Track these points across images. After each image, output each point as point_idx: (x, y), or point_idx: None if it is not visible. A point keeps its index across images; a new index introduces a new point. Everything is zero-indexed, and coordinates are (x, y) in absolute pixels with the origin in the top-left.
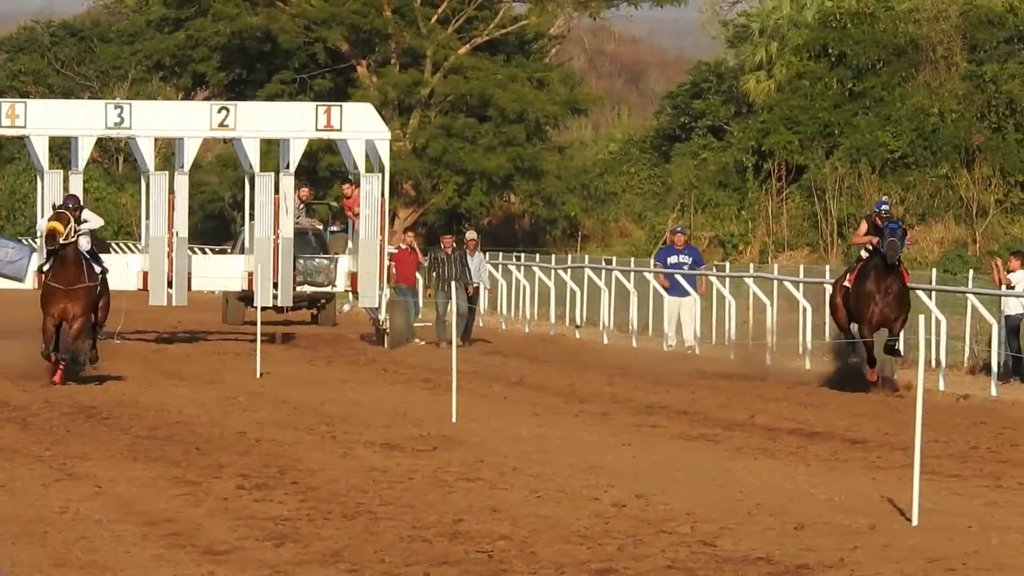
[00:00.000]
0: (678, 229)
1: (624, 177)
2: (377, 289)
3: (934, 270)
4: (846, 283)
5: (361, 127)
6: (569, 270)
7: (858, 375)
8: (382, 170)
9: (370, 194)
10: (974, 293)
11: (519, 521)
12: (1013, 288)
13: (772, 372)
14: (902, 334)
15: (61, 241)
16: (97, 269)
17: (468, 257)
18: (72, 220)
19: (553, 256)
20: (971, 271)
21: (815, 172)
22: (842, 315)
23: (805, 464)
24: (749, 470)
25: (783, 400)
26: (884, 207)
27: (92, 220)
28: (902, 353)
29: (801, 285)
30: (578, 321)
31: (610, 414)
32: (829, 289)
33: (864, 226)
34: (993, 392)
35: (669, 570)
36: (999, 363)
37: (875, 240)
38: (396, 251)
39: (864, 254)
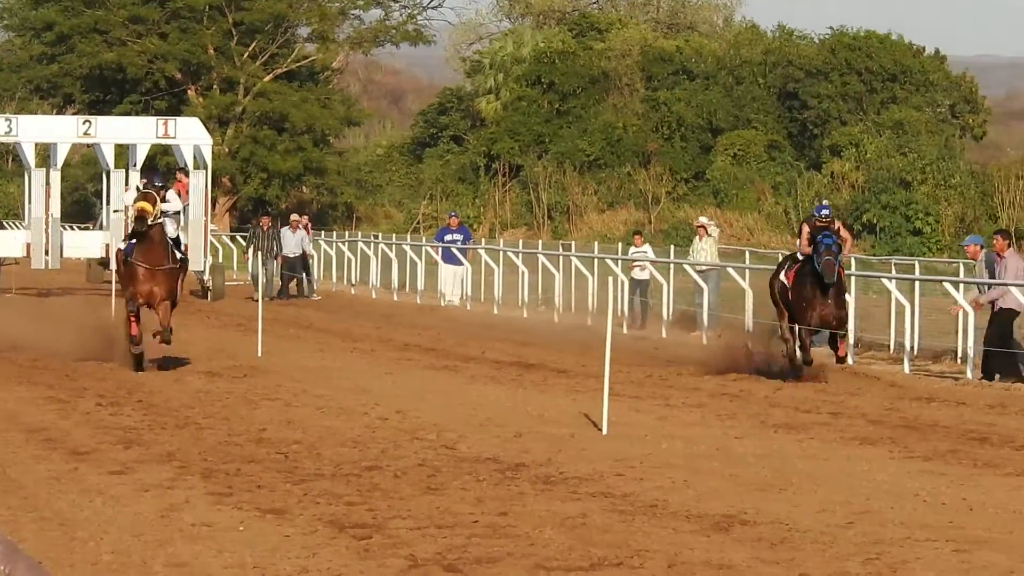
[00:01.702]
0: (452, 214)
1: (388, 173)
2: (203, 256)
3: (620, 243)
4: (783, 279)
5: (191, 136)
6: (346, 243)
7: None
8: (206, 168)
9: (196, 186)
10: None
11: (308, 430)
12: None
13: (499, 320)
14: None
15: (149, 222)
16: (178, 254)
17: (290, 232)
18: (159, 200)
19: (335, 233)
20: (647, 245)
21: (530, 171)
22: (782, 309)
23: (523, 388)
24: (480, 393)
25: (506, 340)
26: (824, 211)
27: (173, 202)
28: (849, 340)
29: (520, 255)
30: (353, 280)
31: (376, 351)
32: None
33: (806, 231)
34: (663, 334)
35: (420, 467)
36: (670, 313)
37: (809, 249)
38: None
39: (800, 255)
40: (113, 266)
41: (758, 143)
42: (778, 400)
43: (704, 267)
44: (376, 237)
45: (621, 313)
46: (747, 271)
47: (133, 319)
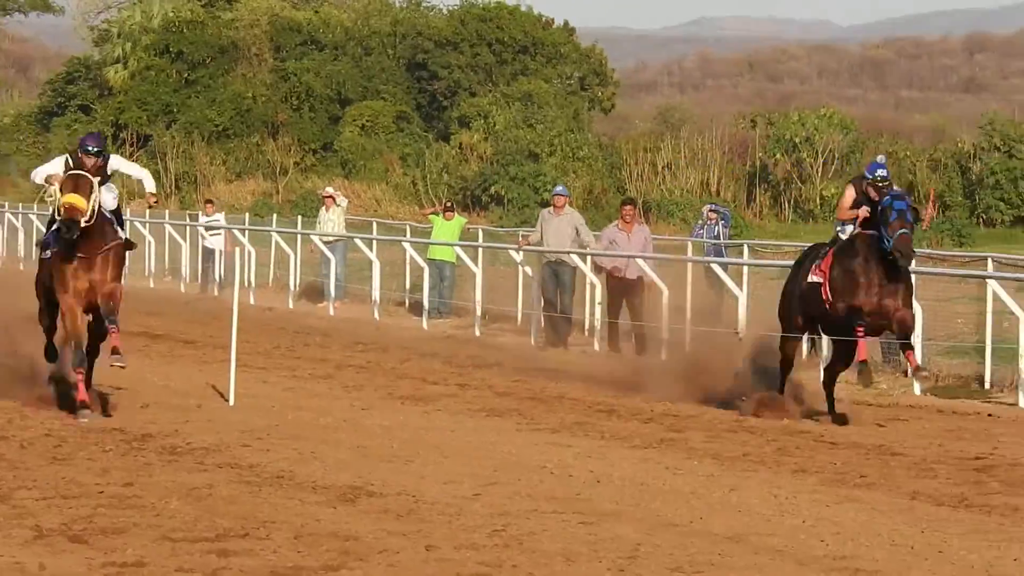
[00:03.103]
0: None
1: (15, 143)
2: None
3: (247, 214)
4: (812, 277)
5: None
6: None
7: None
8: None
9: None
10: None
11: None
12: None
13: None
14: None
15: (83, 223)
16: (122, 235)
17: None
18: (95, 188)
19: None
20: (275, 214)
21: (158, 140)
22: (797, 319)
23: (149, 359)
24: (106, 363)
25: (133, 311)
26: (880, 171)
27: (125, 168)
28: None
29: (148, 225)
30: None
31: None
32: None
33: (851, 194)
34: (290, 304)
35: (46, 437)
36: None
37: (865, 213)
38: None
39: (843, 231)
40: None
41: (387, 114)
42: (405, 372)
43: (331, 238)
44: (3, 207)
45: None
46: (374, 242)
47: (79, 376)
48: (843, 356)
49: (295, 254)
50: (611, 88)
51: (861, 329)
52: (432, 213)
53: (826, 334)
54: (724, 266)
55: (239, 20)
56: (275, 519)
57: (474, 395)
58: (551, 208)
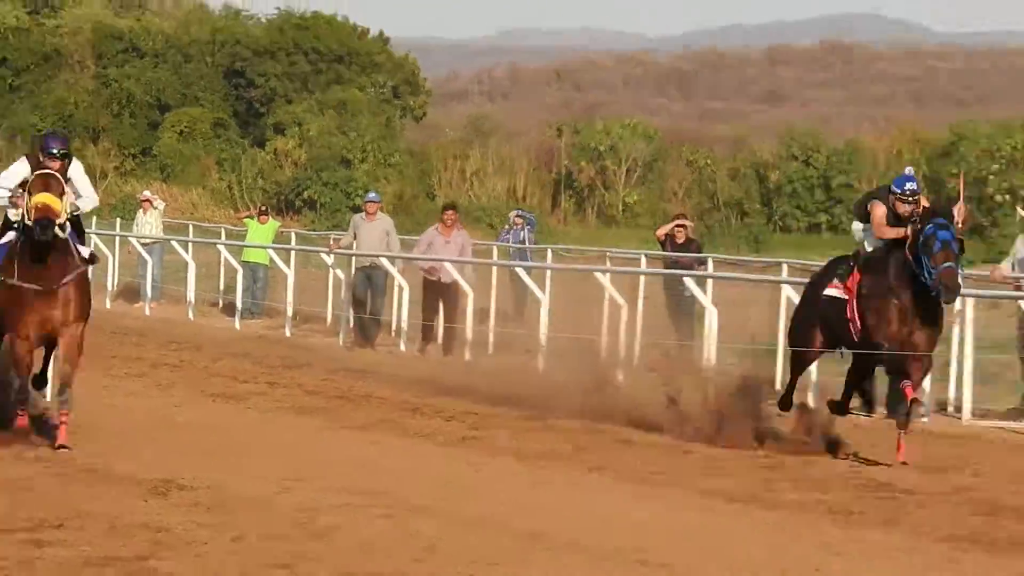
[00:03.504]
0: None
1: None
2: None
3: None
4: (835, 291)
5: None
6: None
7: None
8: None
9: None
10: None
11: None
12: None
13: None
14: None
15: (58, 225)
16: (85, 252)
17: None
18: (66, 191)
19: None
20: (94, 217)
21: None
22: (815, 340)
23: None
24: None
25: None
26: (909, 185)
27: (80, 181)
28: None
29: None
30: None
31: None
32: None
33: (881, 210)
34: (107, 305)
35: None
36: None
37: (904, 232)
38: None
39: (868, 243)
40: None
41: (204, 120)
42: (218, 370)
43: (148, 240)
44: None
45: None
46: (190, 244)
47: (21, 414)
48: (864, 372)
49: (113, 256)
50: (423, 97)
51: (908, 388)
52: (247, 217)
53: (848, 348)
54: (528, 270)
55: (63, 27)
56: (90, 511)
57: (284, 393)
58: (363, 214)
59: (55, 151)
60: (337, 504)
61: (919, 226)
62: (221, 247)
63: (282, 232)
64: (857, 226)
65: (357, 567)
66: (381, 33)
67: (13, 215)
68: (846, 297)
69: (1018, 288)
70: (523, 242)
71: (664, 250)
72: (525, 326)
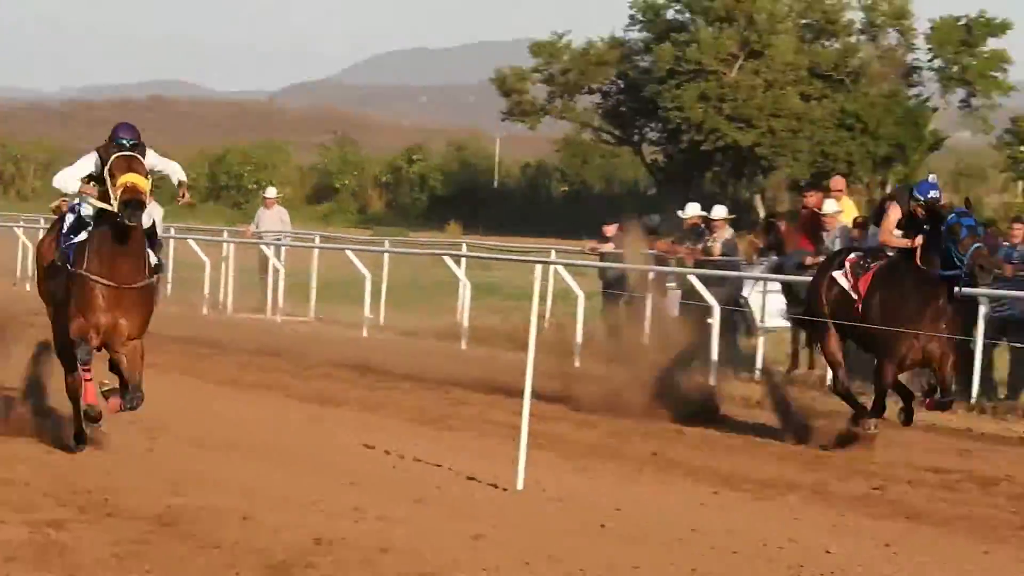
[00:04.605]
0: None
1: None
2: None
3: None
4: (843, 280)
5: None
6: None
7: None
8: None
9: None
10: None
11: None
12: None
13: None
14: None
15: (147, 204)
16: (153, 259)
17: None
18: (149, 175)
19: None
20: None
21: None
22: (833, 343)
23: None
24: None
25: None
26: (933, 193)
27: (161, 165)
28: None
29: None
30: None
31: None
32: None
33: (895, 214)
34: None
35: None
36: None
37: (916, 241)
38: None
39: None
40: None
41: None
42: None
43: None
44: None
45: None
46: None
47: (85, 374)
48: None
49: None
50: None
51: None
52: None
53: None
54: None
55: None
56: None
57: None
58: None
59: (126, 141)
60: None
61: (940, 219)
62: None
63: None
64: (872, 230)
65: None
66: None
67: (86, 211)
68: (855, 297)
69: None
70: None
71: None
72: None
